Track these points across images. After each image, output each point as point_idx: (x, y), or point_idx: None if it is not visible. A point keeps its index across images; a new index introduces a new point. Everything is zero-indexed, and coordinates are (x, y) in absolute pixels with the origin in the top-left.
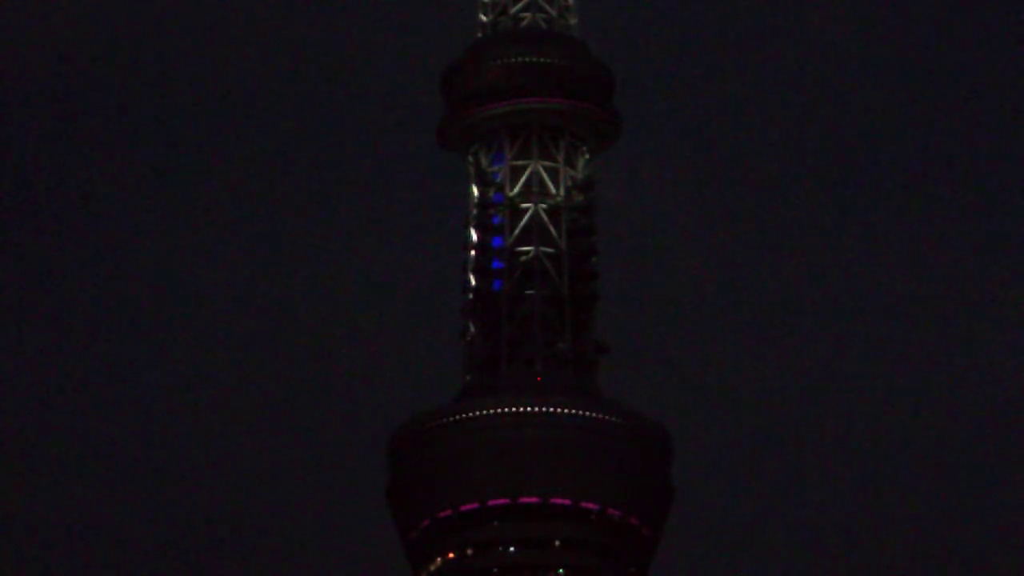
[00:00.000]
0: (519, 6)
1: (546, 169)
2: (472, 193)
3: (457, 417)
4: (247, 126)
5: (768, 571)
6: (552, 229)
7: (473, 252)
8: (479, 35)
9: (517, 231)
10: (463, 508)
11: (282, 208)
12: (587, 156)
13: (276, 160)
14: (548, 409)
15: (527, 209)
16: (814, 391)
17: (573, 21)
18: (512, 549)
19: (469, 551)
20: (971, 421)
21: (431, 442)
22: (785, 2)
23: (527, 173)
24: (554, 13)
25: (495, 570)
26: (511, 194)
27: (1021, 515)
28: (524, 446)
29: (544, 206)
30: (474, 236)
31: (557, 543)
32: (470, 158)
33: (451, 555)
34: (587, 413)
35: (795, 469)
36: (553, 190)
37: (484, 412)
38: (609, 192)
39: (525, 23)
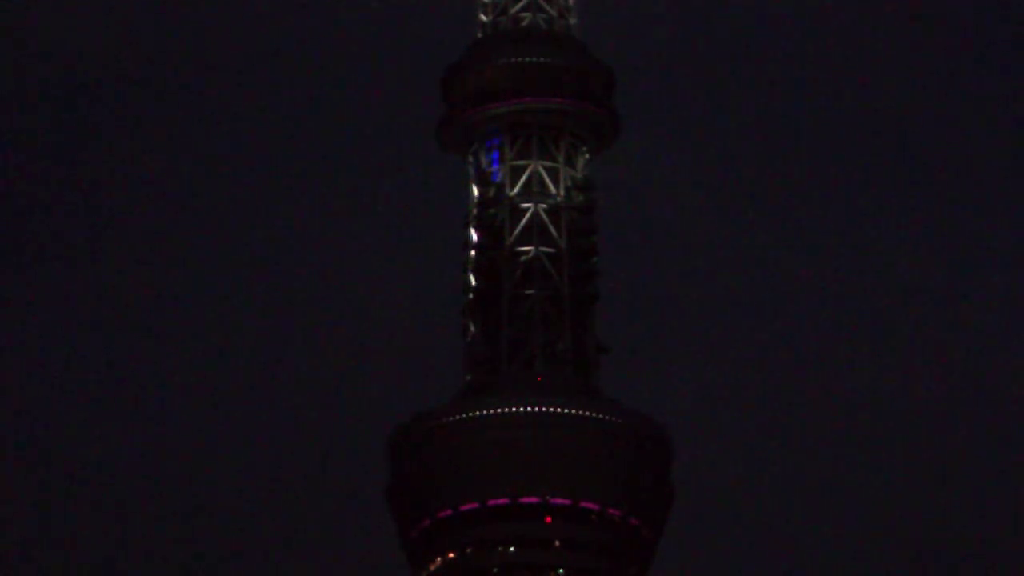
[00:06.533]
0: (519, 6)
1: (546, 169)
2: (472, 193)
3: (457, 417)
4: (246, 126)
5: (768, 571)
6: (552, 229)
7: (473, 252)
8: (479, 35)
9: (517, 231)
10: (463, 508)
11: (281, 207)
12: (587, 156)
13: (274, 159)
14: (548, 409)
15: (527, 209)
16: (815, 391)
17: (573, 21)
18: (512, 549)
19: (469, 551)
20: (975, 423)
21: (431, 442)
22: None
23: (527, 173)
24: (554, 13)
25: (495, 570)
26: (511, 194)
27: (1022, 514)
28: (524, 446)
29: (544, 206)
30: (474, 236)
31: (557, 543)
32: (470, 158)
33: (451, 555)
34: (587, 413)
35: (795, 469)
36: (553, 190)
37: (484, 412)
38: (609, 192)
39: (525, 23)
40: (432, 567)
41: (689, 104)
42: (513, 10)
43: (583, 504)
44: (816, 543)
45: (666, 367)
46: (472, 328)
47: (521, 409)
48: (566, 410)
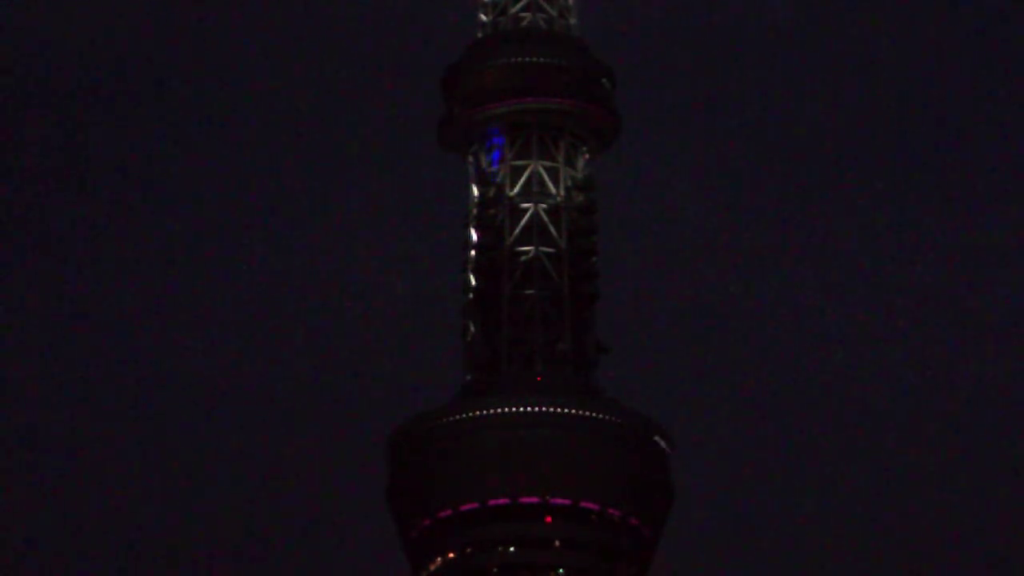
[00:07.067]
0: (519, 6)
1: (546, 169)
2: (472, 193)
3: (457, 417)
4: (246, 126)
5: (768, 571)
6: (552, 229)
7: (473, 252)
8: (479, 35)
9: (517, 231)
10: (463, 508)
11: (281, 208)
12: (587, 156)
13: (275, 160)
14: (548, 409)
15: (527, 209)
16: (816, 391)
17: (573, 21)
18: (512, 549)
19: (469, 551)
20: (975, 422)
21: (431, 442)
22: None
23: (527, 173)
24: (554, 13)
25: (495, 570)
26: (511, 194)
27: (1021, 515)
28: (524, 446)
29: (544, 206)
30: (474, 236)
31: (557, 543)
32: (470, 158)
33: (451, 555)
34: (587, 413)
35: (795, 469)
36: (553, 190)
37: (484, 412)
38: (609, 192)
39: (525, 23)
40: (432, 567)
41: (689, 104)
42: (513, 10)
43: (583, 504)
44: (816, 543)
45: (666, 367)
46: (472, 328)
47: (521, 409)
48: (566, 410)
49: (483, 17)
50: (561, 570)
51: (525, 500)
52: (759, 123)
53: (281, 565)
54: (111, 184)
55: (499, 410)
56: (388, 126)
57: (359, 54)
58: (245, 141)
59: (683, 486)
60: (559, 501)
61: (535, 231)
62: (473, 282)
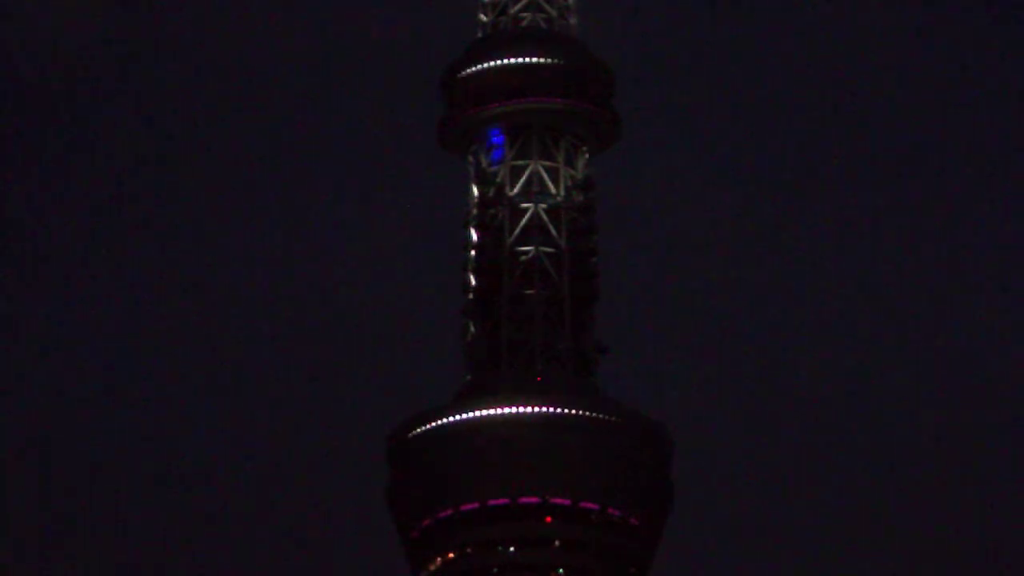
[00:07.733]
0: (519, 6)
1: (546, 169)
2: (472, 193)
3: (457, 417)
4: (246, 126)
5: (767, 571)
6: (552, 229)
7: (473, 252)
8: (479, 35)
9: (517, 231)
10: (463, 508)
11: (281, 208)
12: (587, 156)
13: (275, 160)
14: (548, 409)
15: (527, 209)
16: (816, 391)
17: (573, 21)
18: (512, 549)
19: (469, 551)
20: (974, 422)
21: (431, 442)
22: (786, 1)
23: (527, 173)
24: (554, 13)
25: (495, 570)
26: (511, 194)
27: (1022, 515)
28: (524, 446)
29: (544, 206)
30: (474, 236)
31: (557, 543)
32: (470, 158)
33: (451, 555)
34: (587, 413)
35: (795, 469)
36: (553, 190)
37: (484, 412)
38: (609, 192)
39: (525, 23)
40: (432, 567)
41: (689, 104)
42: (513, 10)
43: (583, 504)
44: (815, 543)
45: (666, 367)
46: (472, 328)
47: (521, 409)
48: (566, 410)
49: (483, 17)
50: (561, 570)
51: (525, 500)
52: (759, 122)
53: (281, 565)
54: (110, 183)
55: (499, 410)
56: (388, 126)
57: (359, 54)
58: (245, 141)
59: (683, 486)
60: (559, 501)
61: (535, 231)
62: (473, 282)
